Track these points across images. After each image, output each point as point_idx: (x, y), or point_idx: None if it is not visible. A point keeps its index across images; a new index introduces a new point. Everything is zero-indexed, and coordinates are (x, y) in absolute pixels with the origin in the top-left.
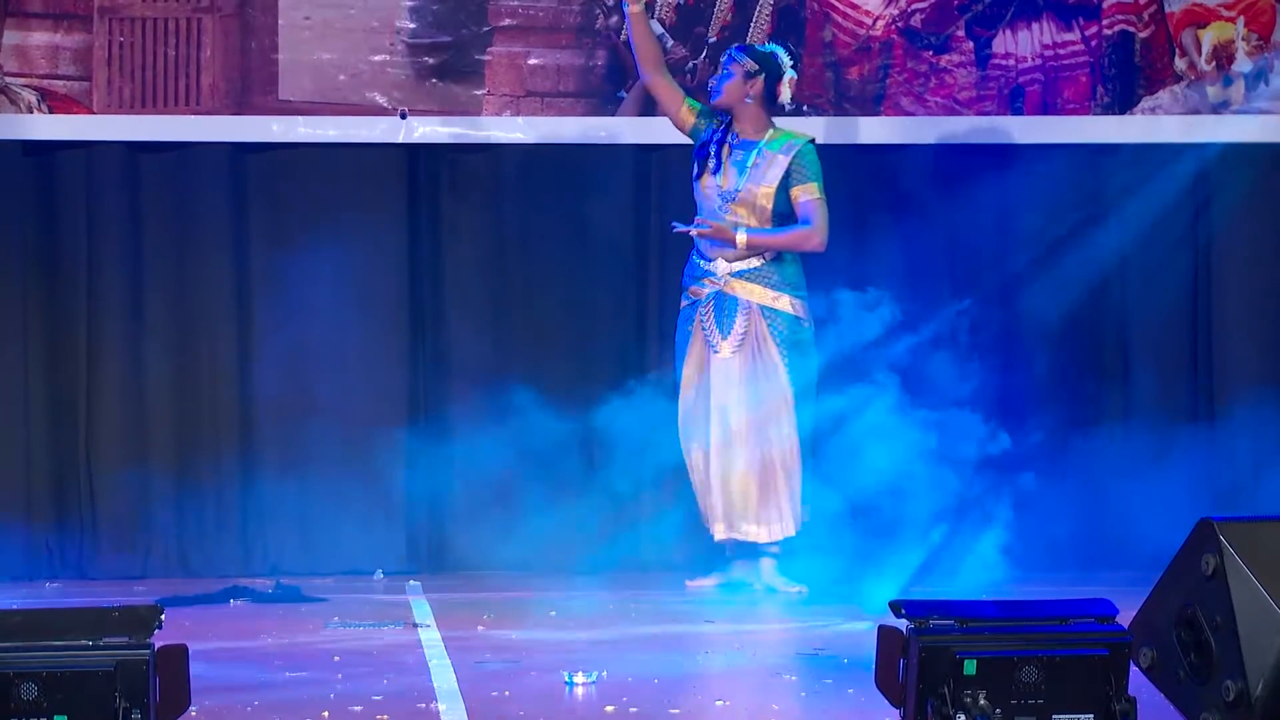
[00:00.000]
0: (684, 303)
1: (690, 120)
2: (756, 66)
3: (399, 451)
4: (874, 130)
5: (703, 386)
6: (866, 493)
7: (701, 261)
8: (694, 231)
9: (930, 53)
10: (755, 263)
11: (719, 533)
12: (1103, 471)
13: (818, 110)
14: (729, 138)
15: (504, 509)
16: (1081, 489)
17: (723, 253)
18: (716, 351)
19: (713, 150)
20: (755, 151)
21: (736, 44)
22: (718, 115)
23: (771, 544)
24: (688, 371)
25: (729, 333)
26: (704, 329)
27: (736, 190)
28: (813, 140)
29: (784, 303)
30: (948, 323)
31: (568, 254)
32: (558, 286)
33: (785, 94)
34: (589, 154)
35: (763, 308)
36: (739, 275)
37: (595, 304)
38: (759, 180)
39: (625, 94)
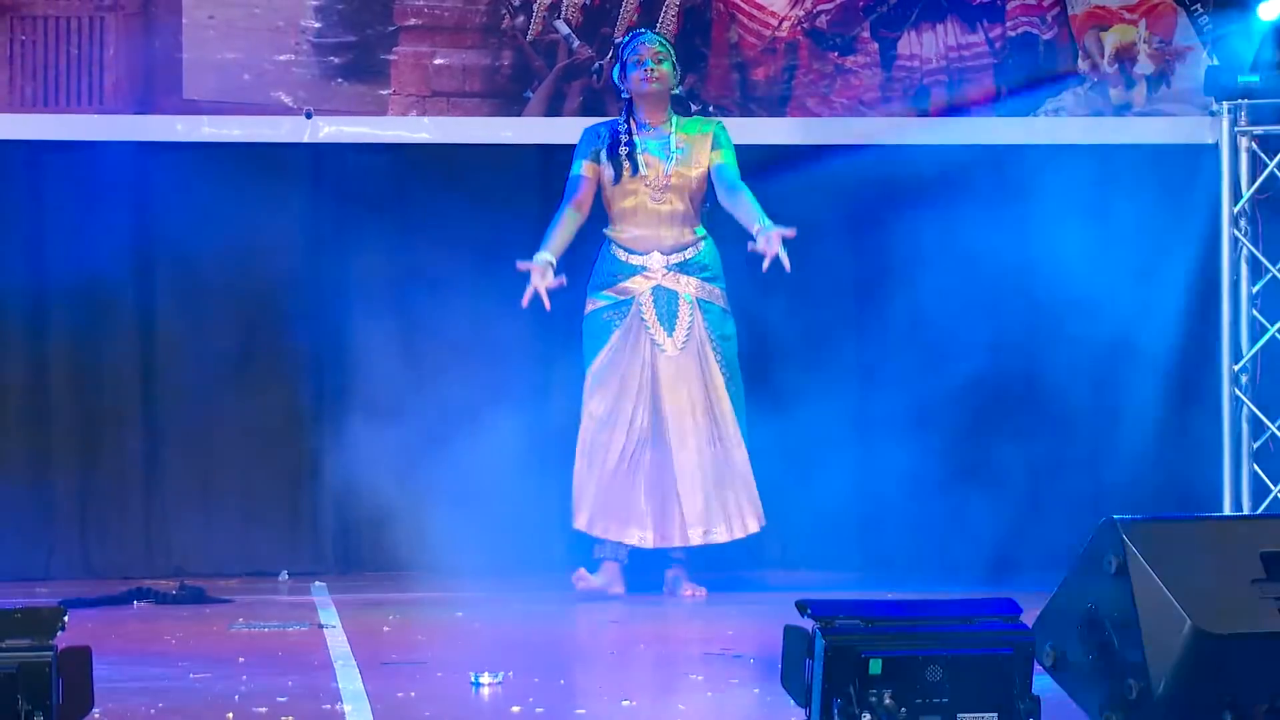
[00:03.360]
0: (596, 303)
1: (596, 168)
2: (672, 55)
3: (305, 452)
4: (780, 131)
5: (638, 390)
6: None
7: (630, 256)
8: (784, 256)
9: (836, 54)
10: (691, 253)
11: (653, 541)
12: (1004, 477)
13: (724, 111)
14: (634, 130)
15: (411, 511)
16: (987, 489)
17: (658, 244)
18: (663, 350)
19: (625, 151)
20: (670, 137)
21: (645, 29)
22: (598, 130)
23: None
24: (605, 375)
25: (674, 328)
26: (644, 328)
27: (668, 176)
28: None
29: (716, 294)
30: (851, 326)
31: (474, 255)
32: (464, 287)
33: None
34: (495, 154)
35: (700, 301)
36: (677, 268)
37: (501, 306)
38: (689, 163)
39: (531, 94)
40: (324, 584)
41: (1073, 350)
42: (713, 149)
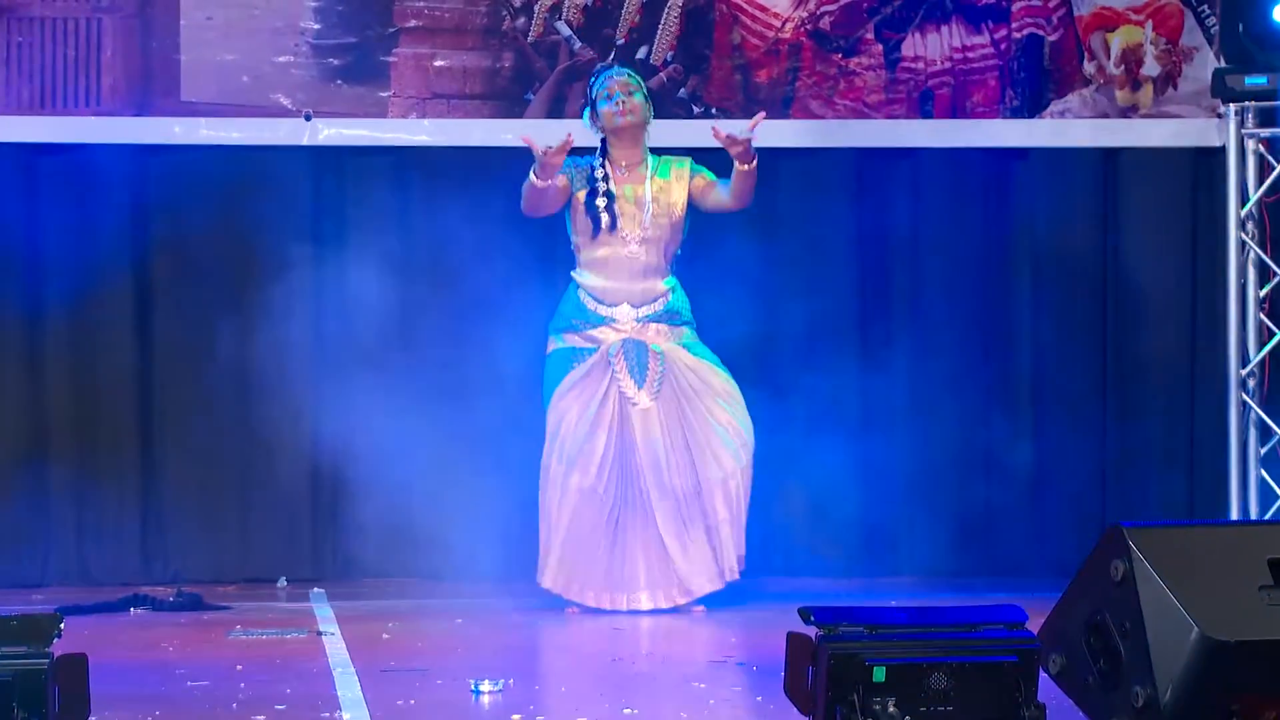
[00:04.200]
0: (557, 343)
1: (569, 187)
2: (642, 87)
3: (303, 457)
4: (783, 133)
5: (607, 431)
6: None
7: (598, 306)
8: (752, 125)
9: (839, 55)
10: (660, 304)
11: (645, 602)
12: (1014, 471)
13: (726, 113)
14: (609, 177)
15: (411, 516)
16: (990, 489)
17: (629, 296)
18: (635, 403)
19: (603, 204)
20: (646, 184)
21: (611, 65)
22: (577, 163)
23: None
24: (569, 406)
25: (644, 380)
26: (614, 378)
27: (645, 229)
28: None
29: (683, 334)
30: (854, 330)
31: (475, 257)
32: (465, 289)
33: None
34: (496, 157)
35: (670, 347)
36: (648, 320)
37: (504, 306)
38: (666, 211)
39: (533, 96)
40: (323, 590)
41: (1080, 353)
42: (692, 180)
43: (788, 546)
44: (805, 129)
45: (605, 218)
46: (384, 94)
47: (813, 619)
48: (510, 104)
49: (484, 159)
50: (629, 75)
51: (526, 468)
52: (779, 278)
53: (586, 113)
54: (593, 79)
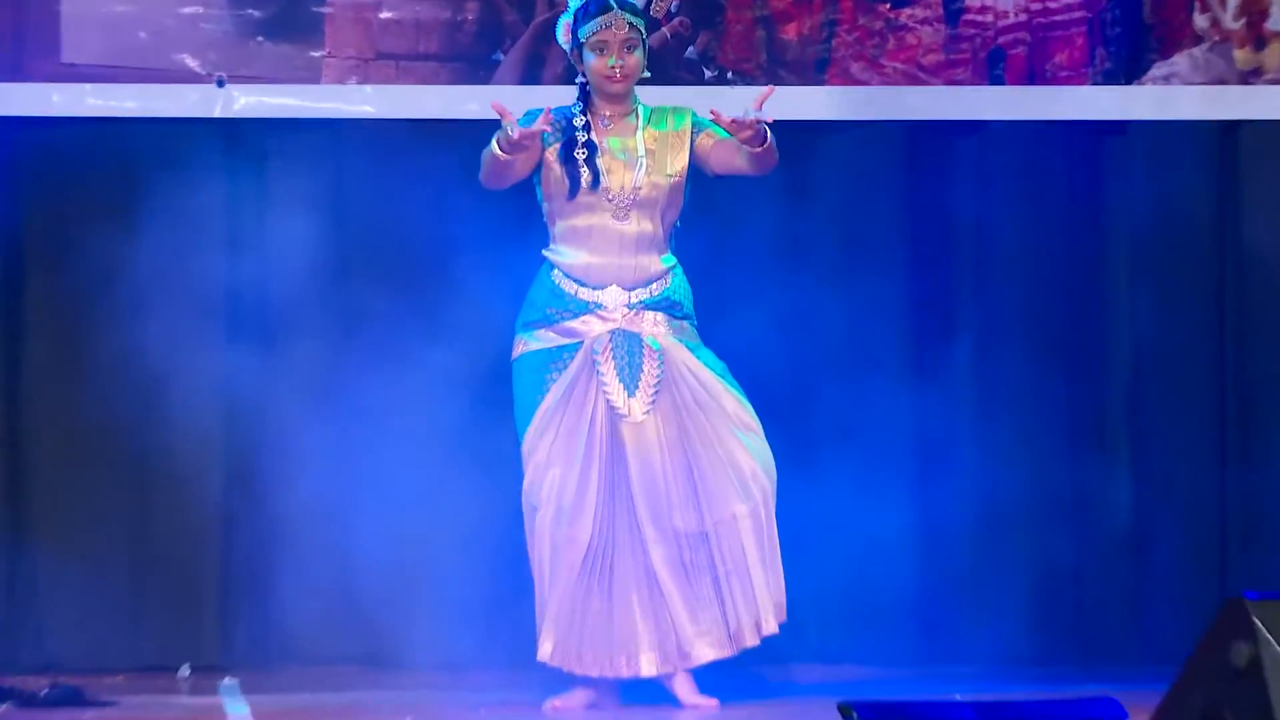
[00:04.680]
0: (529, 344)
1: (534, 144)
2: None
3: (211, 516)
4: (817, 103)
5: (595, 463)
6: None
7: (580, 290)
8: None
9: (887, 6)
10: (658, 287)
11: (646, 666)
12: (1106, 529)
13: (745, 78)
14: (590, 127)
15: (345, 590)
16: (1077, 552)
17: (618, 276)
18: (624, 415)
19: (583, 155)
20: (638, 136)
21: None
22: (559, 113)
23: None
24: (549, 443)
25: (637, 386)
26: (598, 384)
27: (636, 189)
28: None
29: (685, 330)
30: (909, 340)
31: (430, 256)
32: (416, 294)
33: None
34: (457, 132)
35: (669, 345)
36: (643, 306)
37: (465, 316)
38: (662, 169)
39: (502, 56)
40: (235, 681)
41: (1191, 376)
42: (695, 137)
43: (822, 626)
44: (844, 98)
45: (586, 173)
46: (316, 54)
47: (855, 716)
48: (474, 66)
49: (441, 134)
50: (629, 18)
51: (496, 523)
52: (809, 280)
53: (560, 27)
54: (581, 11)
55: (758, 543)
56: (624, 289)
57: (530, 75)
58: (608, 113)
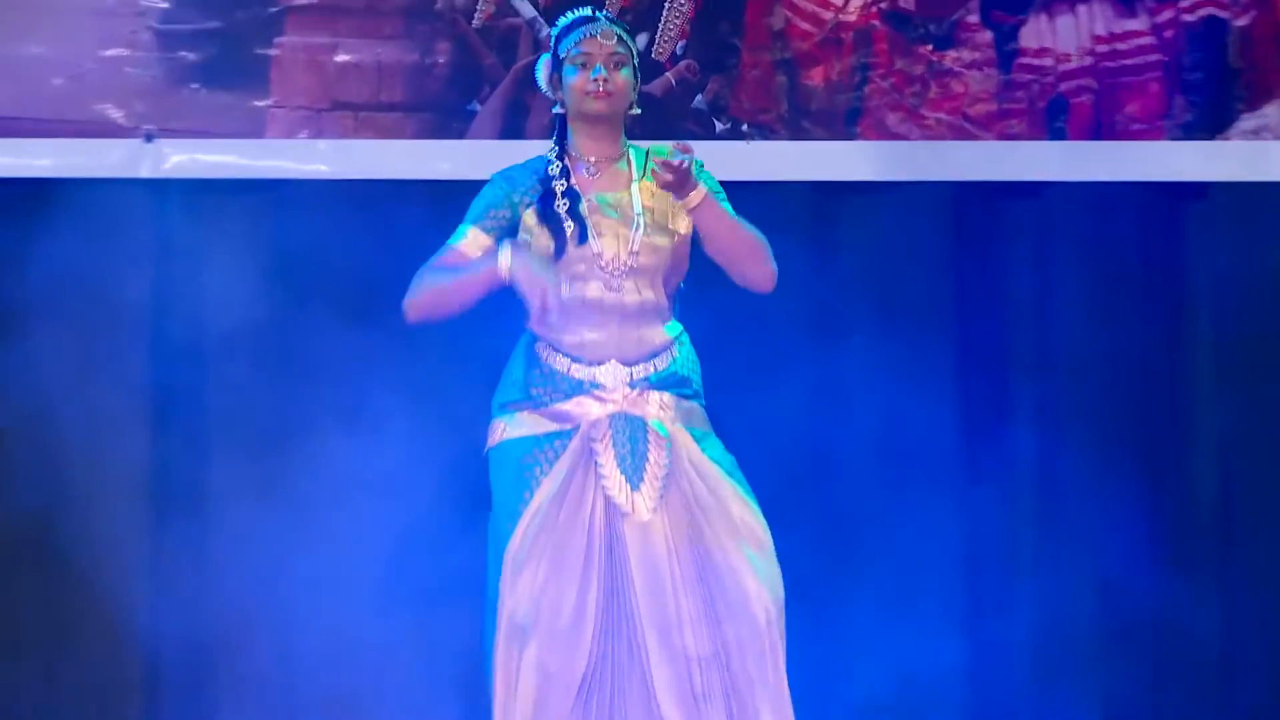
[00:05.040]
0: (509, 429)
1: (487, 241)
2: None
3: (134, 615)
4: (847, 161)
5: (593, 578)
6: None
7: (575, 367)
8: (678, 159)
9: (929, 47)
10: (664, 361)
11: None
12: (1188, 657)
13: (763, 131)
14: (569, 174)
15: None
16: (1154, 685)
17: (618, 351)
18: (628, 513)
19: (565, 205)
20: (632, 189)
21: (596, 7)
22: (525, 171)
23: None
24: (541, 553)
25: (642, 479)
26: (598, 477)
27: (634, 253)
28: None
29: (695, 415)
30: (957, 433)
31: (386, 331)
32: (372, 374)
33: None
34: (425, 194)
35: (687, 429)
36: (647, 384)
37: (433, 402)
38: (664, 227)
39: (479, 105)
40: None
41: (1277, 485)
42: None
43: None
44: (879, 154)
45: (570, 226)
46: (261, 103)
47: None
48: (446, 117)
49: (408, 197)
50: (615, 30)
51: (459, 631)
52: (838, 360)
53: (541, 67)
54: (560, 29)
55: (759, 675)
56: (624, 364)
57: (512, 126)
58: (592, 157)
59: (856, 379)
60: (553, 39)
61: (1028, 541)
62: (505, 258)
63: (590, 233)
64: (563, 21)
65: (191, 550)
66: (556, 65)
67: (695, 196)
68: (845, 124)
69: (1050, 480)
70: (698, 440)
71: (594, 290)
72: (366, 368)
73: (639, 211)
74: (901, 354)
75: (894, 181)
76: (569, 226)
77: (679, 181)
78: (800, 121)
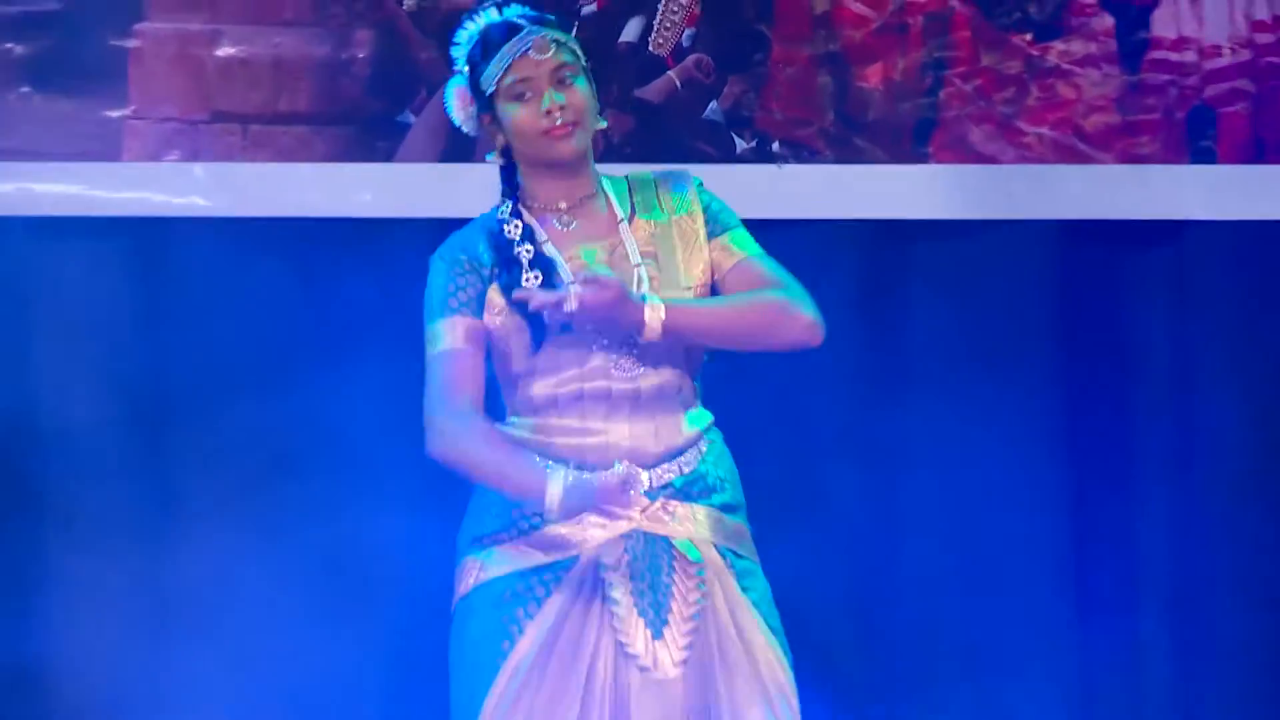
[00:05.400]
0: (487, 569)
1: (476, 326)
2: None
3: None
4: (914, 192)
5: None
6: None
7: (575, 472)
8: (536, 302)
9: (1028, 36)
10: (691, 461)
11: None
12: None
13: (801, 151)
14: (534, 234)
15: None
16: None
17: (632, 451)
18: (647, 668)
19: (536, 281)
20: (619, 233)
21: (522, 7)
22: (478, 233)
23: None
24: (509, 707)
25: (666, 622)
26: (609, 619)
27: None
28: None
29: (740, 534)
30: (1050, 559)
31: (300, 427)
32: (271, 478)
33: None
34: (338, 236)
35: (722, 551)
36: (672, 493)
37: (353, 508)
38: (679, 277)
39: (412, 117)
40: None
41: None
42: (711, 233)
43: None
44: (958, 183)
45: (530, 277)
46: (115, 113)
47: None
48: (367, 132)
49: (315, 240)
50: (553, 36)
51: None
52: (899, 445)
53: (451, 96)
54: (470, 52)
55: None
56: (641, 469)
57: (458, 145)
58: (562, 203)
59: (913, 483)
60: (462, 65)
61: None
62: (555, 492)
63: (567, 296)
64: (467, 38)
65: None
66: (482, 101)
67: (651, 319)
68: (913, 142)
69: (1185, 567)
70: (739, 576)
71: (591, 376)
72: (264, 472)
73: (637, 262)
74: (990, 432)
75: (978, 221)
76: (540, 300)
77: (603, 320)
78: (851, 138)
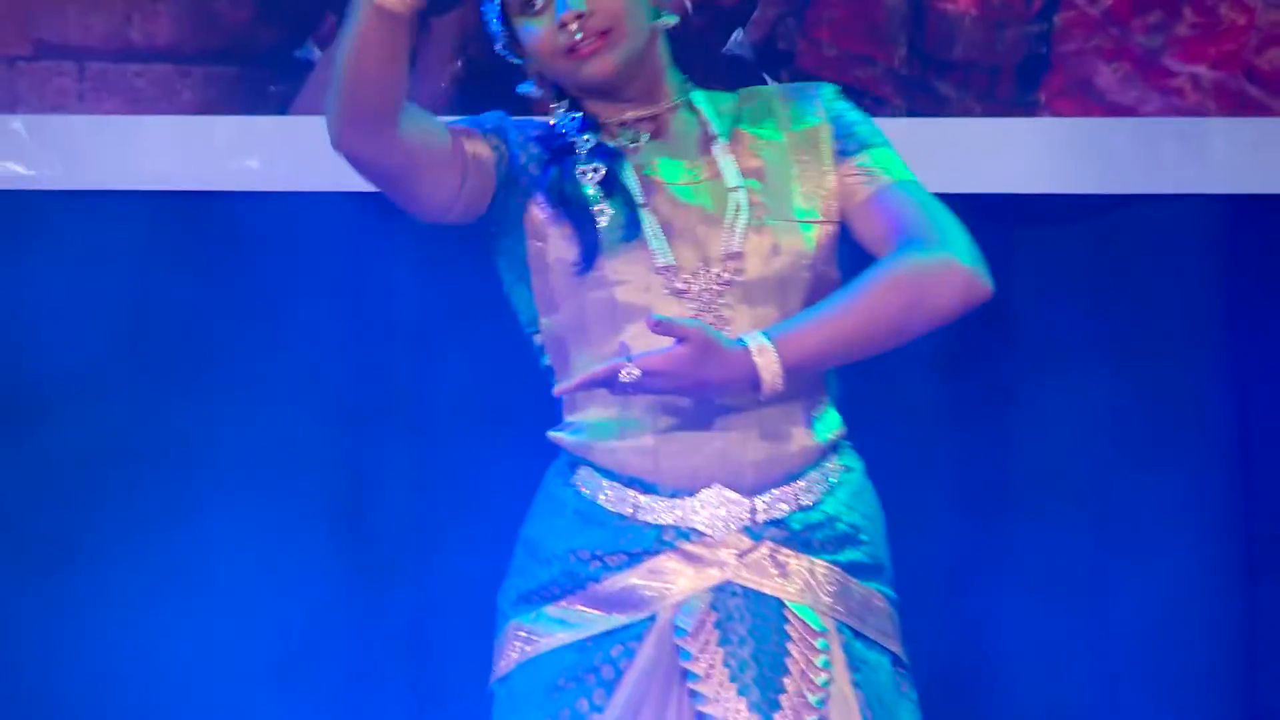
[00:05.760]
0: (537, 637)
1: (481, 154)
2: None
3: None
4: (1022, 153)
5: None
6: None
7: (641, 500)
8: (627, 372)
9: None
10: (811, 490)
11: None
12: None
13: (863, 101)
14: (609, 150)
15: None
16: None
17: (725, 466)
18: None
19: (595, 175)
20: (714, 150)
21: None
22: (520, 128)
23: None
24: None
25: (778, 705)
26: (689, 696)
27: (738, 262)
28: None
29: (878, 606)
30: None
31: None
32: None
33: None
34: (223, 212)
35: (844, 629)
36: (785, 537)
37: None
38: (792, 202)
39: (318, 52)
40: None
41: None
42: (843, 151)
43: None
44: (1084, 140)
45: (605, 215)
46: None
47: None
48: (252, 73)
49: (190, 217)
50: None
51: None
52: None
53: (492, 18)
54: None
55: None
56: (739, 493)
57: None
58: (629, 114)
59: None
60: None
61: None
62: None
63: (649, 222)
64: None
65: None
66: (503, 26)
67: (765, 367)
68: (1018, 86)
69: None
70: (853, 664)
71: (638, 336)
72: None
73: (735, 184)
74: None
75: (1109, 195)
76: (602, 214)
77: (690, 388)
78: (931, 81)
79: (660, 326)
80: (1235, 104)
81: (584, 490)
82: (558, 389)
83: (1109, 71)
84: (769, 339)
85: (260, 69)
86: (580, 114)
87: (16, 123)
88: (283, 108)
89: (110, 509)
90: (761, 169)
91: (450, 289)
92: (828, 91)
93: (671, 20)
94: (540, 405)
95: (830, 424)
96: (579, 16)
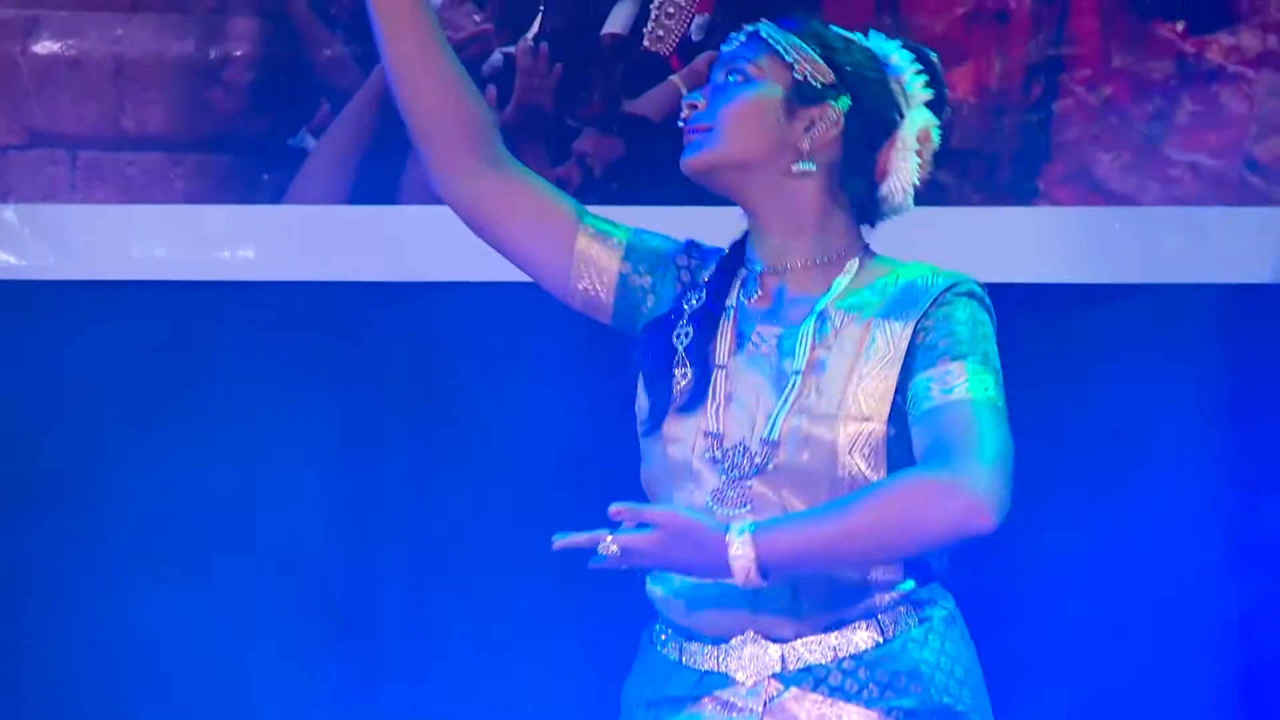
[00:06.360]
0: None
1: (596, 258)
2: (830, 72)
3: None
4: (1018, 245)
5: None
6: None
7: (687, 646)
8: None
9: (1178, 26)
10: (866, 632)
11: None
12: None
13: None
14: (737, 297)
15: None
16: None
17: (754, 610)
18: None
19: (685, 336)
20: (807, 324)
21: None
22: (688, 250)
23: None
24: None
25: None
26: None
27: (771, 449)
28: (977, 287)
29: None
30: None
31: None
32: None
33: (905, 169)
34: (212, 301)
35: None
36: (813, 682)
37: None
38: (848, 387)
39: (311, 141)
40: None
41: None
42: (919, 363)
43: None
44: (1083, 229)
45: (686, 379)
46: None
47: None
48: (246, 162)
49: (176, 310)
50: (756, 29)
51: None
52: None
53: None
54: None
55: None
56: (772, 641)
57: (373, 180)
58: (764, 262)
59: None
60: None
61: None
62: None
63: (715, 386)
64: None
65: None
66: None
67: (737, 561)
68: (1017, 173)
69: None
70: None
71: (701, 497)
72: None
73: (796, 369)
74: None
75: (1108, 285)
76: (679, 380)
77: (670, 567)
78: (929, 170)
79: (623, 514)
80: (1234, 194)
81: (657, 638)
82: (556, 544)
83: (1108, 160)
84: (752, 531)
85: (253, 157)
86: (703, 260)
87: (9, 212)
88: (276, 196)
89: (101, 586)
90: (830, 354)
91: (448, 385)
92: (963, 283)
93: (807, 168)
94: None
95: (907, 575)
96: (693, 106)
